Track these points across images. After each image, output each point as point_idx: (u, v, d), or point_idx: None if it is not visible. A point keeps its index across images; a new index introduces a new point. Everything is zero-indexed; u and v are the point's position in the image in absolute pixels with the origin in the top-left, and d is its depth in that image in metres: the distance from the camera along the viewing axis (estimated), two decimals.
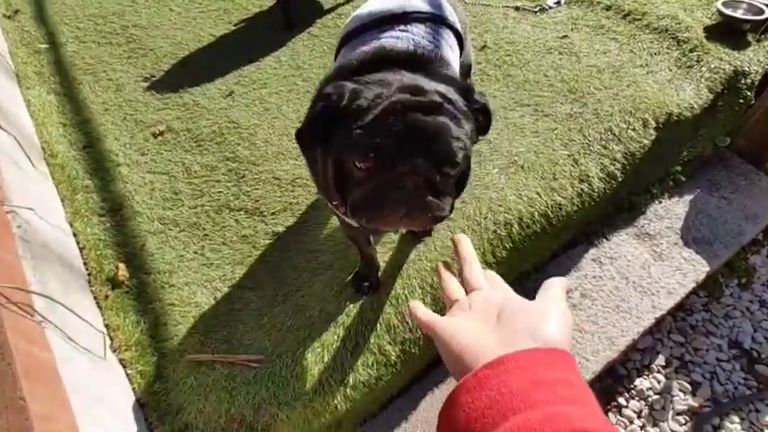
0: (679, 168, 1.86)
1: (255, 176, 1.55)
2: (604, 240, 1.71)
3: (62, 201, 1.44)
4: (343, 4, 2.47)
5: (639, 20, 2.12)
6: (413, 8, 0.91)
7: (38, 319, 0.81)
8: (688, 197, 1.84)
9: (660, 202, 1.82)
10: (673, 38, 1.99)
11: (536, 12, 2.30)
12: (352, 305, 1.21)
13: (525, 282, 1.56)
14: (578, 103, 1.74)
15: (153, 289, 1.25)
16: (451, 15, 0.99)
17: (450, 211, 0.69)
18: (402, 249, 1.31)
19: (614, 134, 1.63)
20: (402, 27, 0.88)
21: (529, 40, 2.08)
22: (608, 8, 2.24)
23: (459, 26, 0.99)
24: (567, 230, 1.58)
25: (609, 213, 1.74)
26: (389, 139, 0.59)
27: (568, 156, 1.56)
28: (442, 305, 1.25)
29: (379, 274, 1.26)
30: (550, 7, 2.32)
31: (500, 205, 1.42)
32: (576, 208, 1.51)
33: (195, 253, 1.34)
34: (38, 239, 1.06)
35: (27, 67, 2.06)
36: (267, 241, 1.37)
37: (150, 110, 1.86)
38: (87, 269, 1.25)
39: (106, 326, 1.13)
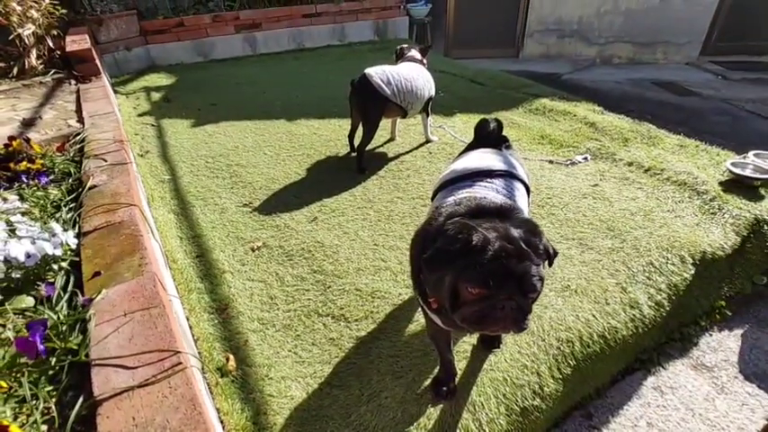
0: (723, 303, 1.99)
1: (339, 287, 1.80)
2: (661, 369, 1.77)
3: (180, 298, 1.70)
4: (403, 154, 3.04)
5: (659, 174, 2.51)
6: (494, 167, 1.27)
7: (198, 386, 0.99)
8: (738, 331, 1.93)
9: (711, 335, 1.91)
10: (692, 189, 2.33)
11: (567, 165, 2.76)
12: (432, 408, 1.31)
13: (587, 406, 1.60)
14: (618, 239, 2.00)
15: (254, 380, 1.40)
16: (520, 172, 1.34)
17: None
18: (475, 359, 1.45)
19: (656, 267, 1.84)
20: (488, 180, 1.23)
21: (565, 187, 2.47)
22: (630, 164, 2.67)
23: (526, 179, 1.34)
24: (624, 355, 1.68)
25: (661, 342, 1.84)
26: (496, 278, 0.89)
27: (616, 284, 1.75)
28: (515, 415, 1.32)
29: (456, 380, 1.37)
30: (579, 162, 2.79)
31: (560, 324, 1.57)
32: (630, 332, 1.63)
33: (289, 351, 1.52)
34: (182, 326, 1.29)
35: (154, 192, 2.58)
36: (351, 344, 1.54)
37: (249, 229, 2.25)
38: (201, 358, 1.44)
39: (217, 409, 1.26)
